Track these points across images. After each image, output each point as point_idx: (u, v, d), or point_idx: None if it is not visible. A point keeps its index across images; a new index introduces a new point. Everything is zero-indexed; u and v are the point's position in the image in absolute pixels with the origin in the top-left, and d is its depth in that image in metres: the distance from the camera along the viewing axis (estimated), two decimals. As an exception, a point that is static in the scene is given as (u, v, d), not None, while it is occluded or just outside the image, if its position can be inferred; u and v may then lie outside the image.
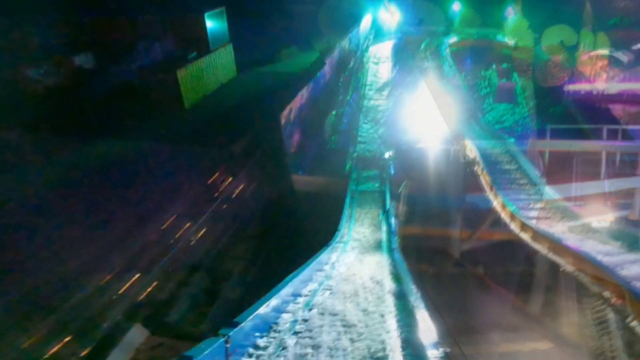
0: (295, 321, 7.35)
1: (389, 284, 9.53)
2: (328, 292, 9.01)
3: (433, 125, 21.47)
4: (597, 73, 31.13)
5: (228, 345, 5.56)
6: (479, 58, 36.17)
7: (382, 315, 7.80)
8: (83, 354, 9.99)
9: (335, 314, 7.89)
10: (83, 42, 23.07)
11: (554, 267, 11.73)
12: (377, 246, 13.50)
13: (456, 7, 44.58)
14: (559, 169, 19.37)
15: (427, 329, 6.68)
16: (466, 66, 35.42)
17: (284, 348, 6.45)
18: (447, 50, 35.86)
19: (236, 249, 15.71)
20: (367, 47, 38.74)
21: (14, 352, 9.46)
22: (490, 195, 15.95)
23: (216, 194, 16.41)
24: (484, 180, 16.89)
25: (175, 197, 15.07)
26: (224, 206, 16.30)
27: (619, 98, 28.48)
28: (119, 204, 14.53)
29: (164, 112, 20.56)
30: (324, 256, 11.47)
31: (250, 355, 6.14)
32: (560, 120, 25.21)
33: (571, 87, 30.34)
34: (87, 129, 18.41)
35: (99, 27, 23.84)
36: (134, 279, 12.01)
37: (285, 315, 7.52)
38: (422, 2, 42.19)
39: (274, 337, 6.71)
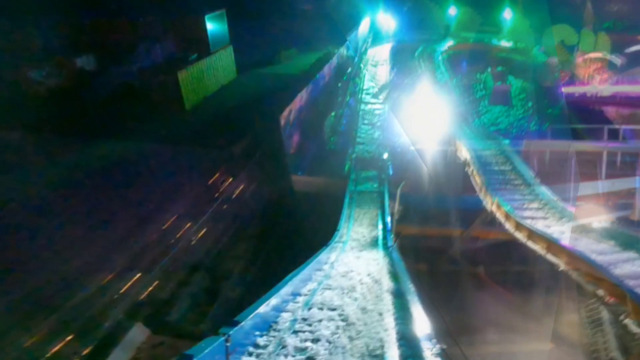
0: (294, 320, 7.46)
1: (386, 281, 9.69)
2: (327, 290, 9.15)
3: (427, 128, 21.73)
4: (591, 76, 31.45)
5: (228, 344, 5.64)
6: (474, 61, 36.42)
7: (381, 314, 7.93)
8: (85, 352, 10.04)
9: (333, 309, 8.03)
10: (84, 43, 23.20)
11: (549, 266, 11.84)
12: (375, 244, 13.65)
13: (452, 11, 44.74)
14: (556, 170, 19.49)
15: (422, 322, 6.82)
16: (462, 70, 35.69)
17: (284, 347, 6.54)
18: (440, 57, 36.17)
19: (236, 248, 15.78)
20: (366, 50, 38.91)
21: (16, 350, 9.53)
22: (481, 195, 16.11)
23: (216, 195, 16.50)
24: (476, 180, 17.05)
25: (176, 198, 15.17)
26: (224, 206, 16.39)
27: (612, 100, 28.81)
28: (120, 205, 14.63)
29: (164, 113, 20.71)
30: (323, 256, 11.56)
31: (250, 354, 6.23)
32: (557, 122, 25.47)
33: (567, 89, 30.60)
34: (88, 130, 18.53)
35: (100, 28, 23.98)
36: (135, 278, 12.07)
37: (285, 314, 7.63)
38: (418, 7, 42.39)
39: (273, 336, 6.82)
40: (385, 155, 21.85)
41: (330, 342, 6.74)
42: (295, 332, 7.06)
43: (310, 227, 16.19)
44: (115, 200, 14.86)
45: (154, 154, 17.43)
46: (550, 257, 11.42)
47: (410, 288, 8.56)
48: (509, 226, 13.69)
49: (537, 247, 12.08)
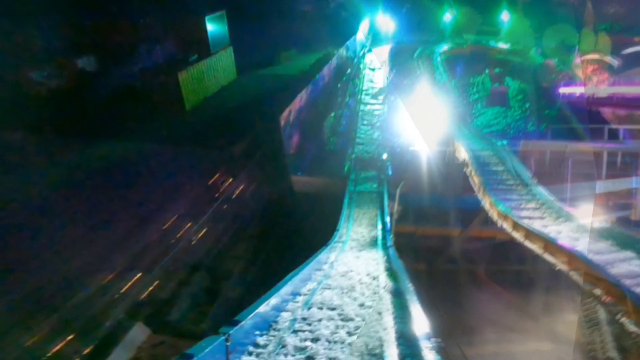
0: (294, 319, 7.52)
1: (384, 279, 9.77)
2: (327, 290, 9.23)
3: (426, 129, 21.87)
4: (588, 77, 31.63)
5: (228, 344, 5.69)
6: (472, 63, 36.54)
7: (380, 313, 8.00)
8: (85, 352, 10.05)
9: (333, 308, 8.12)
10: (85, 44, 23.21)
11: (547, 266, 11.93)
12: (374, 244, 13.73)
13: (447, 18, 44.76)
14: (553, 170, 19.60)
15: (421, 321, 6.90)
16: (459, 72, 35.79)
17: (284, 346, 6.61)
18: (439, 58, 36.22)
19: (236, 248, 15.83)
20: (365, 51, 38.96)
21: (17, 350, 9.55)
22: (480, 195, 16.20)
23: (217, 195, 16.56)
24: (474, 181, 17.15)
25: (176, 198, 15.22)
26: (225, 206, 16.45)
27: (609, 101, 28.98)
28: (121, 205, 14.68)
29: (165, 114, 20.77)
30: (322, 256, 11.62)
31: (250, 353, 6.28)
32: (554, 123, 25.64)
33: (565, 90, 30.76)
34: (89, 131, 18.57)
35: (101, 29, 24.00)
36: (135, 278, 12.10)
37: (284, 314, 7.69)
38: (416, 10, 42.45)
39: (273, 336, 6.87)
40: (385, 156, 21.95)
41: (329, 342, 6.81)
42: (295, 331, 7.12)
43: (310, 227, 16.26)
44: (116, 200, 14.91)
45: (155, 154, 17.50)
46: (548, 257, 11.50)
47: (409, 287, 8.61)
48: (506, 226, 13.77)
49: (535, 247, 12.16)
